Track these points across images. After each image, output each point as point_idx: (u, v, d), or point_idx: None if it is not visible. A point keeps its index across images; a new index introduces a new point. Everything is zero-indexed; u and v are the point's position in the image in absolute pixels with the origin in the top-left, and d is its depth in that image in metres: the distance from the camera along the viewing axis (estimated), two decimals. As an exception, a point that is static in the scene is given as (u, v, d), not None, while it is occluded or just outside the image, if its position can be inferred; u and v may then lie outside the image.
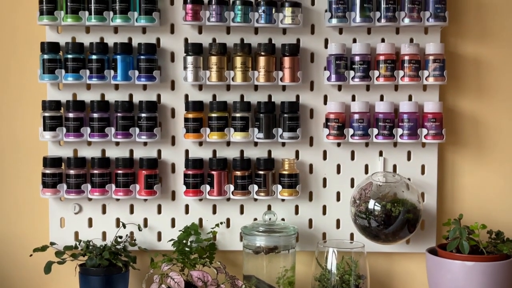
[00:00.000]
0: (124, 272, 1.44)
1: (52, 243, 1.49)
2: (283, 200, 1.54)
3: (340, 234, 1.54)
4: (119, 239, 1.51)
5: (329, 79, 1.48)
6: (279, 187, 1.50)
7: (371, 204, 1.44)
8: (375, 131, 1.48)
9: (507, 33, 1.53)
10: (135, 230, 1.55)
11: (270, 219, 1.48)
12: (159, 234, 1.55)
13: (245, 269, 1.47)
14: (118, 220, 1.55)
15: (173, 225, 1.55)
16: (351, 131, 1.48)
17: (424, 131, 1.48)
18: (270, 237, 1.44)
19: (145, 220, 1.55)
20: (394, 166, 1.53)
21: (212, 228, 1.53)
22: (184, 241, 1.51)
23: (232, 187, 1.50)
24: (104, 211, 1.55)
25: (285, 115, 1.49)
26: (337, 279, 1.42)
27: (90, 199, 1.54)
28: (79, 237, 1.54)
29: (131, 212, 1.55)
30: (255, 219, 1.54)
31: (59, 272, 1.51)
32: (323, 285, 1.43)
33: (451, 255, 1.39)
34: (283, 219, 1.54)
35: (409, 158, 1.53)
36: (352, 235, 1.54)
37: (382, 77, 1.47)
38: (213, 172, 1.50)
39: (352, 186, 1.54)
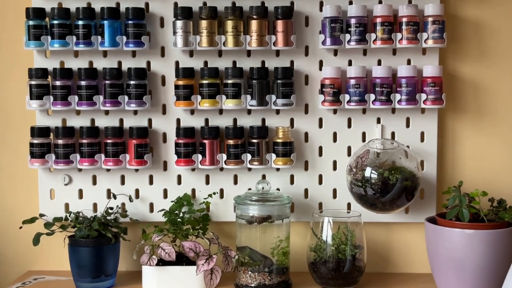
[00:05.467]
0: (114, 243, 1.41)
1: (41, 215, 1.45)
2: (277, 169, 1.50)
3: (337, 204, 1.50)
4: (110, 210, 1.47)
5: (324, 43, 1.43)
6: (273, 156, 1.46)
7: (368, 172, 1.40)
8: (372, 96, 1.43)
9: (510, -7, 1.47)
10: (126, 201, 1.51)
11: (263, 188, 1.43)
12: (151, 205, 1.52)
13: (239, 240, 1.43)
14: (109, 191, 1.51)
15: (165, 196, 1.51)
16: (347, 97, 1.43)
17: (423, 96, 1.43)
18: (264, 206, 1.40)
19: (137, 191, 1.52)
20: (392, 134, 1.48)
21: (205, 199, 1.49)
22: (176, 212, 1.47)
23: (224, 156, 1.46)
24: (94, 182, 1.51)
25: (278, 81, 1.44)
26: (333, 250, 1.38)
27: (80, 170, 1.51)
28: (70, 209, 1.50)
29: (122, 183, 1.51)
30: (249, 189, 1.50)
31: (48, 244, 1.49)
32: (319, 255, 1.39)
33: (450, 224, 1.34)
34: (278, 189, 1.50)
35: (407, 125, 1.48)
36: (349, 205, 1.50)
37: (379, 40, 1.42)
38: (205, 141, 1.45)
39: (349, 154, 1.49)
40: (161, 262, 1.39)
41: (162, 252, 1.37)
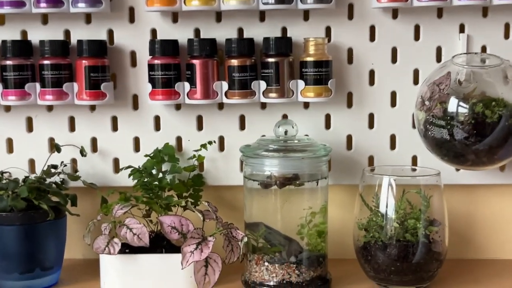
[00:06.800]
0: (53, 219, 0.90)
1: None
2: (306, 105, 0.99)
3: (397, 157, 0.99)
4: (52, 170, 0.97)
5: None
6: (301, 83, 0.95)
7: (453, 104, 0.89)
8: (457, -13, 0.92)
9: None
10: (77, 156, 1.01)
11: (286, 132, 0.93)
12: (116, 162, 1.01)
13: (249, 213, 0.93)
14: (51, 141, 1.01)
15: (136, 148, 1.01)
16: (416, -13, 0.92)
17: (538, -17, 0.92)
18: (287, 159, 0.89)
19: (93, 140, 1.01)
20: (483, 48, 0.97)
21: (197, 151, 0.99)
22: (153, 172, 0.97)
23: (225, 85, 0.95)
24: (30, 128, 1.01)
25: (308, -36, 0.93)
26: (396, 227, 0.88)
27: (7, 109, 1.00)
28: (-6, 168, 1.01)
29: (71, 128, 1.01)
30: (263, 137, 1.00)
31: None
32: (373, 236, 0.89)
33: None
34: (307, 136, 0.99)
35: (507, 35, 0.97)
36: (414, 159, 0.99)
37: None
38: (194, 62, 0.94)
39: (417, 81, 0.98)
40: (129, 249, 0.90)
41: (127, 232, 0.88)
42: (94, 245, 0.88)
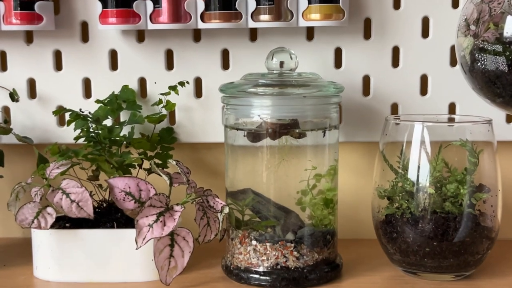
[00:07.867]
0: (-35, 181, 0.68)
1: None
2: (310, 36, 0.75)
3: (429, 105, 0.75)
4: (-25, 120, 0.74)
5: None
6: (302, 1, 0.71)
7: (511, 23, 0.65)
8: None
9: None
10: (8, 102, 0.77)
11: (282, 65, 0.69)
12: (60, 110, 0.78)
13: (231, 176, 0.69)
14: (-25, 83, 0.78)
15: (87, 94, 0.78)
16: None
17: None
18: (284, 98, 0.65)
19: (31, 82, 0.78)
20: (547, -41, 0.74)
21: (165, 96, 0.75)
22: (107, 124, 0.73)
23: (201, 4, 0.72)
24: None
25: None
26: (432, 193, 0.64)
27: None
28: None
29: (3, 67, 0.78)
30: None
31: None
32: (399, 206, 0.66)
33: None
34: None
35: None
36: (452, 108, 0.76)
37: None
38: (160, -27, 0.71)
39: (457, 3, 0.74)
40: (70, 222, 0.67)
41: (63, 199, 0.64)
42: (18, 216, 0.65)
